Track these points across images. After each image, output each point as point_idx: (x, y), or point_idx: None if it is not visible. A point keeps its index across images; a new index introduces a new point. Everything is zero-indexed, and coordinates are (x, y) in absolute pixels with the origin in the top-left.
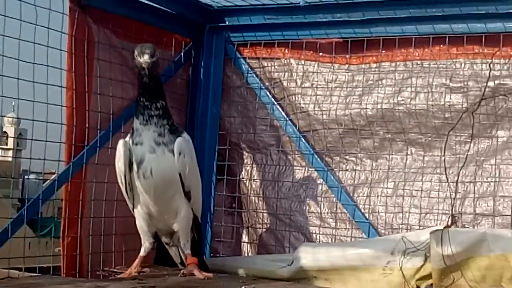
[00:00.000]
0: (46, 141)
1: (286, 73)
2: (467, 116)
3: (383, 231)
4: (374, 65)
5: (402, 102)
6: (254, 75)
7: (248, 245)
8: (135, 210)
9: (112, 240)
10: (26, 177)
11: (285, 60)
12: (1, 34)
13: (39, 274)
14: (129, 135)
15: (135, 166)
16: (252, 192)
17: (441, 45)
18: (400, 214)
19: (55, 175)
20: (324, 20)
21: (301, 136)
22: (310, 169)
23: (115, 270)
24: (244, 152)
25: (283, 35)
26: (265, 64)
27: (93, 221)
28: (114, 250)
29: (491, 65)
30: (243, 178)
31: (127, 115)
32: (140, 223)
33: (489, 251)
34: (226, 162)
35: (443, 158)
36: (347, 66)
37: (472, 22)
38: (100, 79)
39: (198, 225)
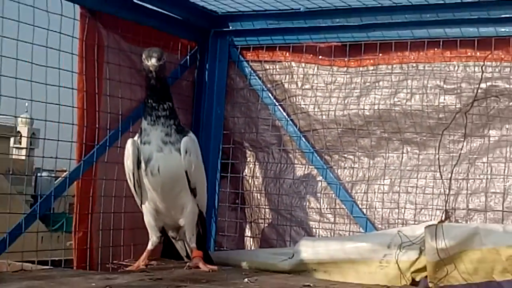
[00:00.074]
0: (58, 140)
1: (287, 76)
2: (460, 116)
3: (380, 226)
4: (372, 68)
5: (398, 103)
6: (257, 77)
7: (251, 239)
8: (143, 206)
9: (121, 235)
10: (38, 174)
11: (286, 63)
12: (15, 38)
13: (51, 267)
14: (137, 134)
15: (143, 164)
16: (254, 188)
17: (436, 49)
18: (396, 210)
19: (67, 172)
20: (324, 25)
21: (301, 136)
22: (310, 166)
23: (123, 263)
24: (247, 151)
25: (284, 39)
26: (267, 67)
27: (103, 216)
28: (123, 244)
29: (483, 68)
30: (246, 175)
31: (135, 116)
32: (148, 218)
33: (481, 245)
34: (230, 160)
35: (437, 156)
36: (345, 68)
37: (465, 27)
38: (109, 82)
39: (203, 220)
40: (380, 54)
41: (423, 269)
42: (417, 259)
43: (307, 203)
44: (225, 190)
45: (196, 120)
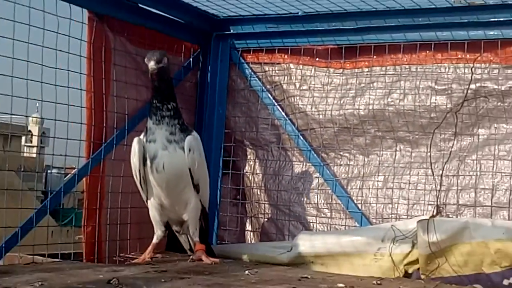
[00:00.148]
0: (67, 139)
1: (286, 77)
2: (451, 115)
3: (374, 221)
4: (366, 70)
5: (392, 103)
6: (257, 79)
7: (251, 233)
8: (148, 201)
9: (127, 229)
10: (49, 171)
11: (285, 65)
12: (26, 41)
13: (61, 260)
14: (143, 133)
15: (148, 162)
16: (254, 185)
17: (427, 51)
18: (390, 205)
19: (76, 169)
20: (320, 28)
21: (299, 134)
22: (308, 164)
23: (130, 256)
24: (248, 149)
25: (283, 42)
26: (267, 69)
27: (110, 211)
28: (130, 238)
29: (473, 69)
30: (246, 172)
31: (141, 115)
32: (153, 213)
33: (470, 239)
34: (231, 158)
35: (429, 154)
36: (341, 70)
37: (455, 30)
38: (116, 83)
39: (205, 215)
40: (375, 56)
41: (416, 261)
42: (409, 252)
43: (305, 199)
44: (226, 186)
45: (199, 119)
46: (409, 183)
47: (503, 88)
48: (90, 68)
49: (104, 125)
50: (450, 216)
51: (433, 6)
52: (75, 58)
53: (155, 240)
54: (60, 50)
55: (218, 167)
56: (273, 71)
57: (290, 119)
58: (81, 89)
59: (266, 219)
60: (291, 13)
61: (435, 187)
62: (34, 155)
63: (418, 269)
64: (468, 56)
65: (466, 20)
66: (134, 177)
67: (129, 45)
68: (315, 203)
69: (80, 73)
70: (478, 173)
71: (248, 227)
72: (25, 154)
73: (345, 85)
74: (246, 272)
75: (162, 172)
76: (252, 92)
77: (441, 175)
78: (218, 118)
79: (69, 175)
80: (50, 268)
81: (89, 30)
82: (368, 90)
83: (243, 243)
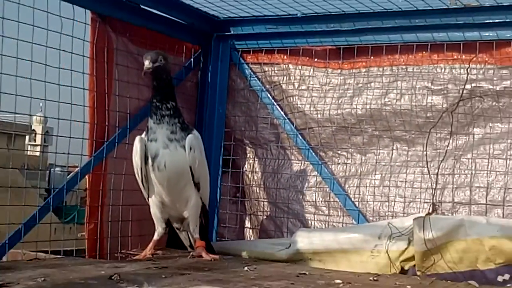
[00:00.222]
0: (70, 137)
1: (285, 77)
2: (447, 115)
3: (371, 218)
4: (364, 70)
5: (389, 103)
6: (256, 79)
7: (251, 230)
8: (149, 199)
9: (129, 226)
10: (52, 169)
11: (284, 65)
12: (30, 41)
13: (63, 256)
14: (144, 132)
15: (150, 160)
16: (254, 183)
17: (424, 52)
18: (387, 203)
19: (78, 168)
20: (319, 29)
21: (298, 133)
22: (306, 162)
23: (131, 252)
24: (247, 148)
25: (282, 43)
26: (266, 69)
27: (112, 208)
28: (131, 235)
29: (469, 70)
30: (246, 170)
31: (142, 114)
32: (154, 211)
33: (466, 236)
34: (231, 156)
35: (425, 153)
36: (339, 70)
37: (451, 31)
38: (118, 82)
39: (206, 212)
40: (372, 57)
41: (412, 258)
42: (406, 249)
43: (303, 197)
44: (226, 184)
45: (200, 118)
46: (406, 182)
47: (498, 88)
48: (93, 68)
49: (107, 124)
50: (446, 213)
51: (430, 8)
52: (78, 58)
53: (156, 237)
54: (64, 50)
55: (218, 166)
56: (273, 71)
57: (289, 119)
58: (84, 89)
59: (265, 217)
60: (290, 14)
61: (431, 185)
62: (38, 154)
63: (414, 265)
64: (463, 57)
65: (461, 22)
66: (136, 175)
67: (131, 46)
68: (313, 201)
69: (83, 73)
70: (473, 172)
71: (248, 224)
72: (28, 153)
73: (343, 85)
74: (245, 268)
75: (164, 170)
76: (251, 92)
77: (437, 174)
78: (218, 117)
79: (72, 173)
80: (52, 264)
81: (92, 30)
82: (365, 90)
83: (242, 240)
